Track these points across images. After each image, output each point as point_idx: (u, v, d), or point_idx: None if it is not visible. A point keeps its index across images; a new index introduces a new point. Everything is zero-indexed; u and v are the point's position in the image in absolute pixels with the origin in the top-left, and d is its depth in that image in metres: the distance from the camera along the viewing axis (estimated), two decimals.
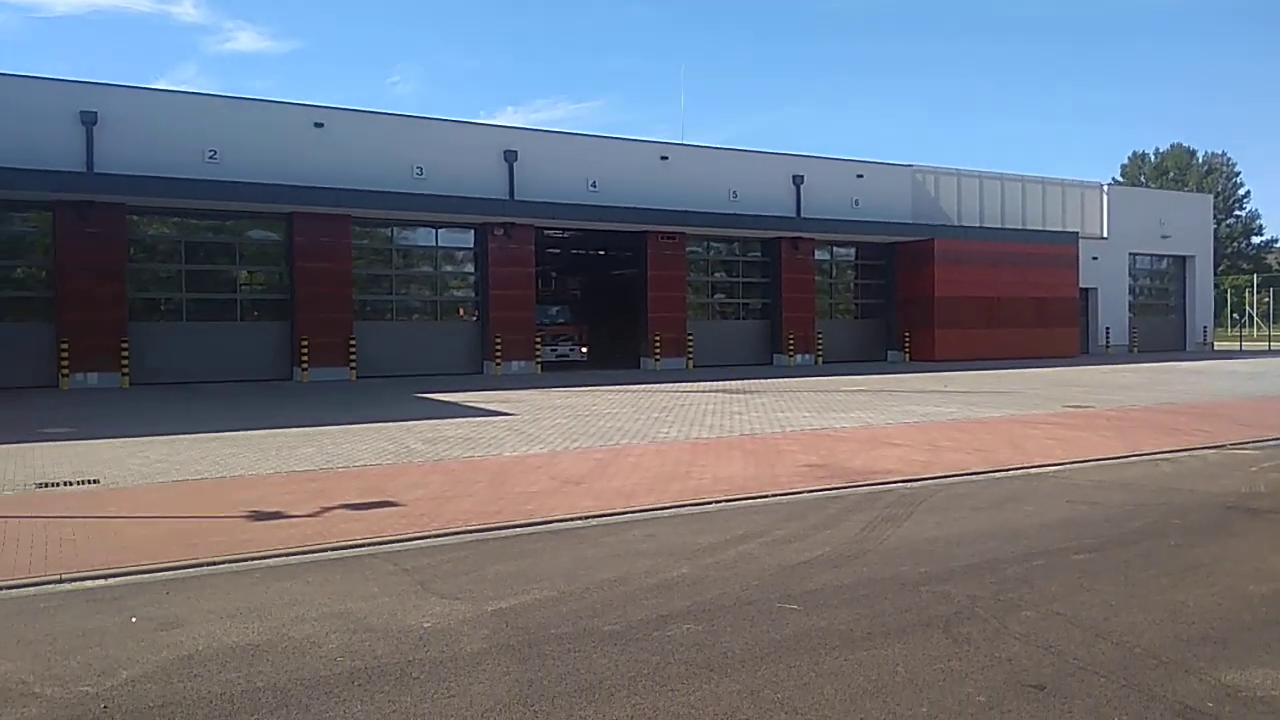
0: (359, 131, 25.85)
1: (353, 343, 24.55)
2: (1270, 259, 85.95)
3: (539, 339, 27.87)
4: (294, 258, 24.22)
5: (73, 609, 5.35)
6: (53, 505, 8.07)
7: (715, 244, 31.71)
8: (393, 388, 21.49)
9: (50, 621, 5.12)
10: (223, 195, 22.64)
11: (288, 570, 6.16)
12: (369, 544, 6.77)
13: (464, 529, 7.23)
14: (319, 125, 25.20)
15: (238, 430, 13.23)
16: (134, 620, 5.11)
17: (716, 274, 32.28)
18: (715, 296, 31.98)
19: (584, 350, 31.59)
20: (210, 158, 23.75)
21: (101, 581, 5.88)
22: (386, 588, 5.73)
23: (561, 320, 31.88)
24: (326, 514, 7.68)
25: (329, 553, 6.57)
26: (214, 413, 15.95)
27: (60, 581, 5.86)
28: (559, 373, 26.61)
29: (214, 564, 6.26)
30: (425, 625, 5.00)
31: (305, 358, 23.78)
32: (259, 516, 7.59)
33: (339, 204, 23.89)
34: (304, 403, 17.96)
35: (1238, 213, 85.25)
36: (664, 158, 30.24)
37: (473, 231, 27.00)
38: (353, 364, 24.46)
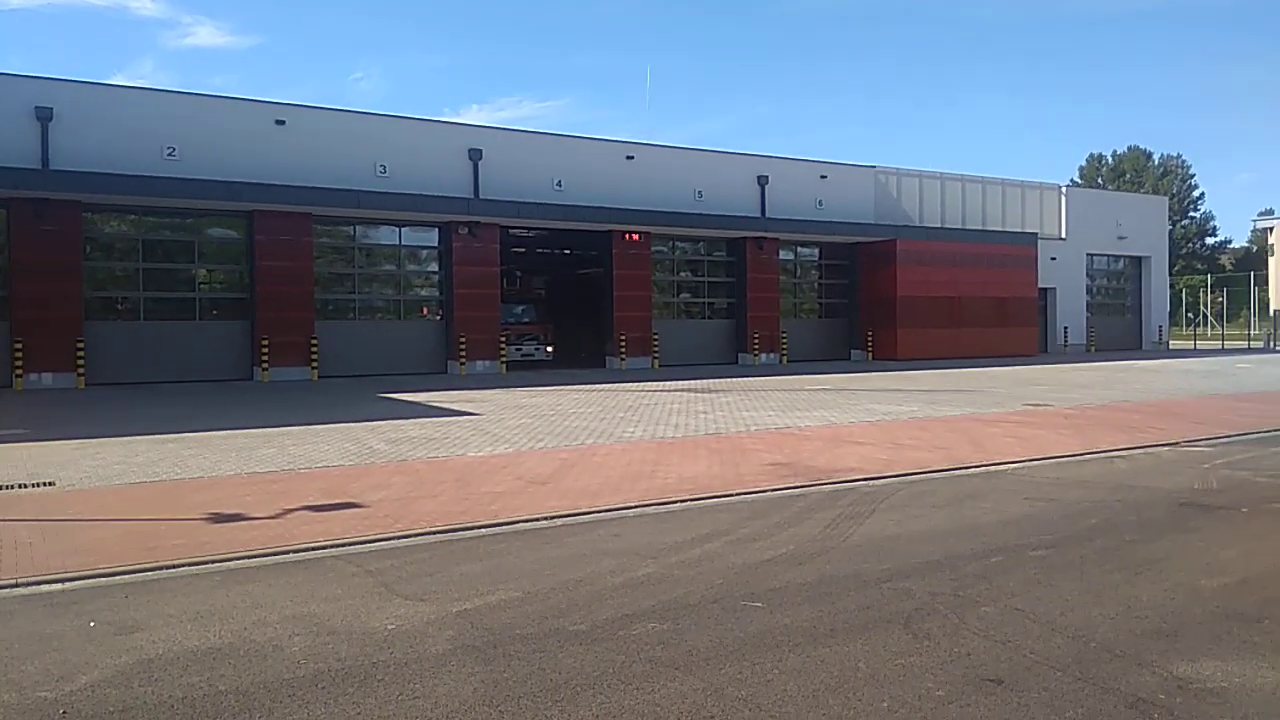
0: (321, 129, 25.59)
1: (315, 342, 24.31)
2: (1224, 259, 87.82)
3: (504, 338, 27.75)
4: (254, 256, 23.92)
5: (29, 613, 5.27)
6: (7, 508, 7.92)
7: (680, 243, 31.79)
8: (355, 388, 21.31)
9: (6, 626, 5.04)
10: (181, 193, 22.30)
11: (249, 573, 6.11)
12: (332, 546, 6.72)
13: (428, 530, 7.20)
14: (280, 122, 24.92)
15: (197, 431, 13.06)
16: (92, 624, 5.05)
17: (682, 273, 32.36)
18: (680, 296, 32.06)
19: (549, 350, 31.45)
20: (169, 155, 23.40)
21: (59, 585, 5.79)
22: (350, 590, 5.70)
23: (527, 320, 31.70)
24: (288, 516, 7.62)
25: (291, 555, 6.52)
26: (172, 413, 15.73)
27: (16, 585, 5.76)
28: (524, 372, 26.54)
29: (173, 567, 6.19)
30: (389, 627, 4.98)
31: (266, 357, 23.51)
32: (219, 519, 7.51)
33: (300, 202, 23.64)
34: (265, 403, 17.77)
35: (1192, 214, 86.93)
36: (629, 157, 30.27)
37: (437, 230, 26.84)
38: (315, 364, 24.22)
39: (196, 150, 23.63)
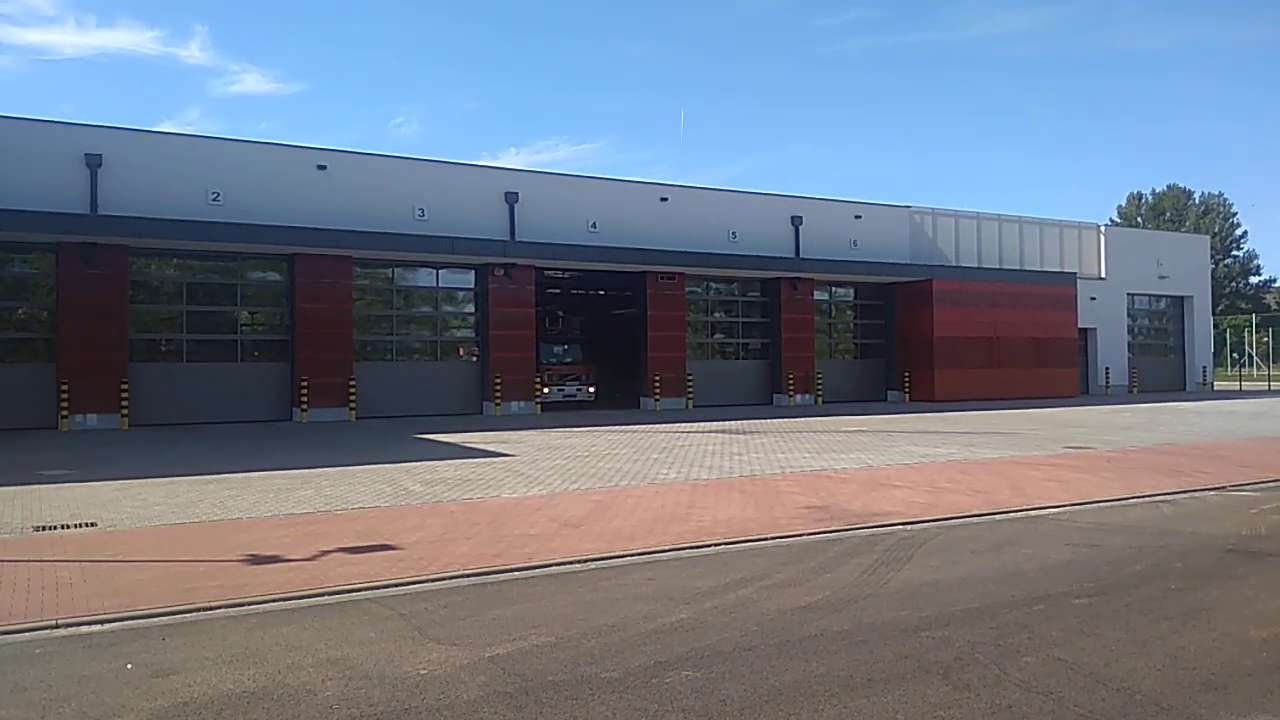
0: (361, 173, 26.09)
1: (352, 383, 24.59)
2: (1269, 298, 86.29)
3: (545, 378, 27.86)
4: (295, 298, 24.34)
5: (68, 655, 5.32)
6: (50, 548, 8.04)
7: (715, 284, 31.86)
8: (392, 428, 21.48)
9: (45, 668, 5.09)
10: (225, 237, 22.79)
11: (284, 615, 6.13)
12: (366, 588, 6.74)
13: (462, 573, 7.20)
14: (321, 167, 25.44)
15: (236, 472, 13.21)
16: (129, 667, 5.08)
17: (716, 314, 32.40)
18: (715, 336, 32.06)
19: (592, 390, 30.28)
20: (213, 199, 23.95)
21: (98, 627, 5.85)
22: (383, 633, 5.70)
23: (569, 360, 30.66)
24: (324, 557, 7.66)
25: (326, 597, 6.54)
26: (213, 454, 15.93)
27: (56, 627, 5.83)
28: (558, 413, 26.61)
29: (210, 609, 6.23)
30: (422, 672, 4.97)
31: (305, 398, 23.80)
32: (256, 560, 7.56)
33: (340, 245, 24.07)
34: (303, 444, 17.95)
35: (1235, 253, 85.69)
36: (663, 199, 30.49)
37: (473, 272, 27.16)
38: (352, 404, 24.47)
39: (240, 195, 24.17)
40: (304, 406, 23.77)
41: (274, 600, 6.43)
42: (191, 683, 4.82)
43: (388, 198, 26.09)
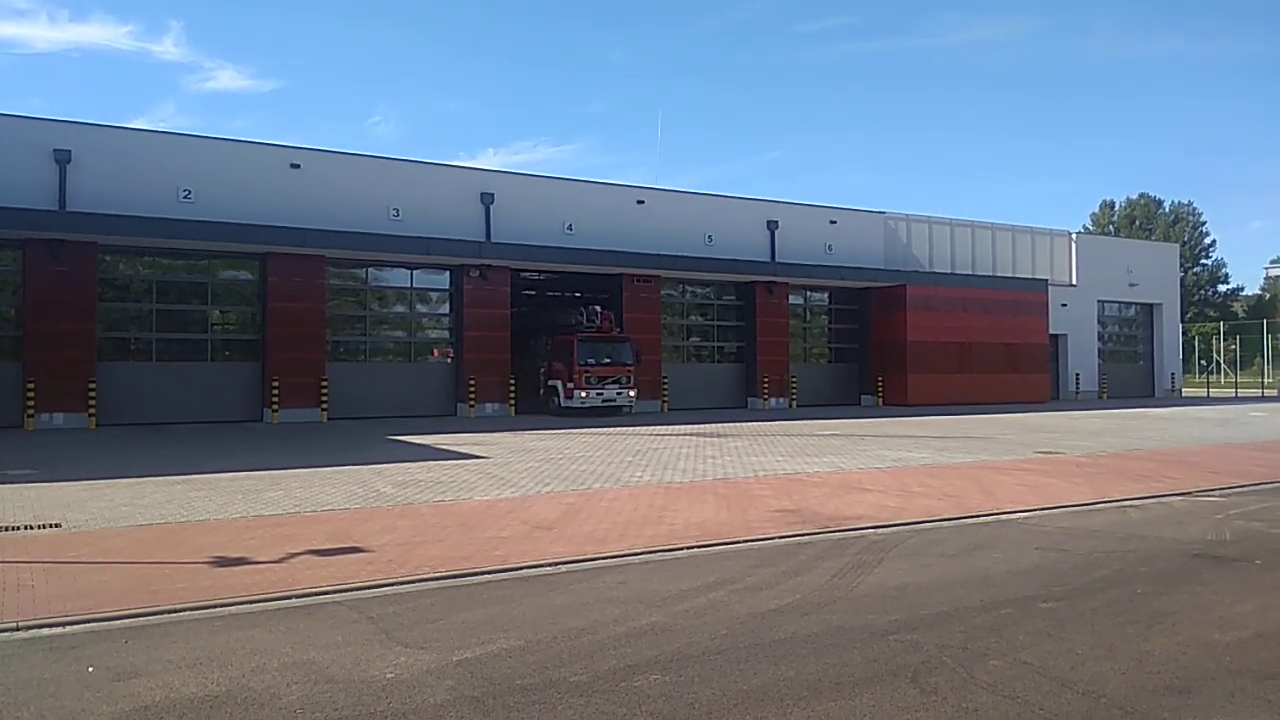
0: (335, 173, 25.91)
1: (325, 384, 24.39)
2: (1236, 307, 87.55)
3: (574, 379, 25.66)
4: (267, 298, 24.13)
5: (29, 658, 5.23)
6: (12, 549, 7.91)
7: (690, 287, 31.92)
8: (364, 429, 21.32)
9: (4, 671, 5.00)
10: (196, 235, 22.54)
11: (250, 618, 6.06)
12: (335, 591, 6.68)
13: (432, 576, 7.15)
14: (295, 166, 25.24)
15: (205, 473, 13.05)
16: (91, 670, 5.00)
17: (691, 317, 32.46)
18: (690, 340, 32.11)
19: (633, 394, 26.96)
20: (184, 197, 23.71)
21: (60, 629, 5.75)
22: (351, 636, 5.64)
23: (609, 360, 26.65)
24: (292, 560, 7.58)
25: (293, 600, 6.47)
26: (181, 454, 15.74)
27: (16, 629, 5.73)
28: (532, 416, 26.51)
29: (175, 611, 6.15)
30: (389, 675, 4.92)
31: (276, 398, 23.59)
32: (223, 562, 7.47)
33: (313, 245, 23.88)
34: (273, 445, 17.78)
35: (1204, 261, 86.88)
36: (640, 201, 30.51)
37: (448, 273, 27.04)
38: (324, 405, 24.28)
39: (212, 193, 23.94)
40: (275, 407, 23.56)
41: (240, 603, 6.35)
42: (154, 686, 4.75)
43: (362, 197, 25.93)
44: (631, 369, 26.97)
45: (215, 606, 6.26)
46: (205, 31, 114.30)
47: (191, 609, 6.20)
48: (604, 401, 26.16)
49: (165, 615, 6.08)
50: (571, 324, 27.02)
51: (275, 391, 23.59)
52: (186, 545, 8.16)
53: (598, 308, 27.15)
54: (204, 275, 24.39)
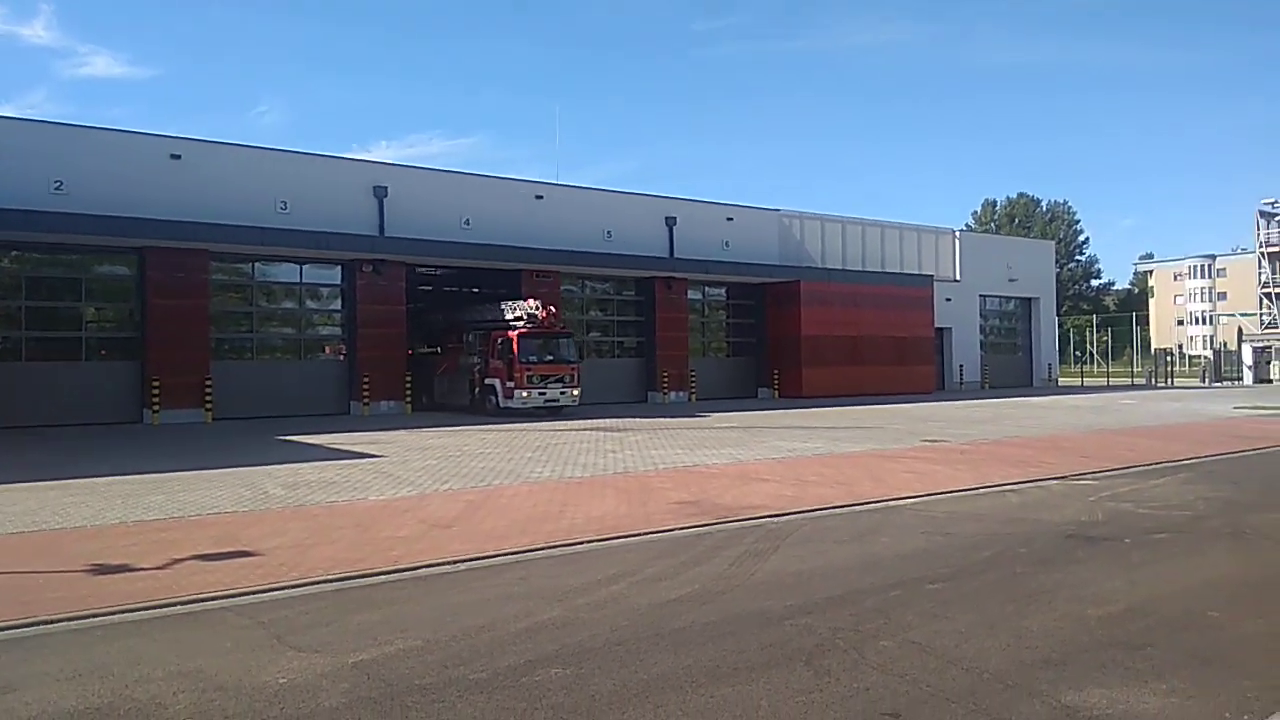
0: (219, 164, 24.93)
1: (209, 383, 23.48)
2: (1108, 300, 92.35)
3: (515, 378, 23.96)
4: (146, 294, 23.08)
5: None
6: None
7: (590, 283, 31.92)
8: (252, 430, 20.63)
9: None
10: (68, 228, 21.40)
11: (133, 627, 5.82)
12: (223, 596, 6.46)
13: (325, 578, 6.98)
14: (176, 157, 24.18)
15: (81, 477, 12.43)
16: None
17: (591, 312, 32.46)
18: (590, 335, 32.09)
19: (577, 394, 25.20)
20: (56, 188, 22.46)
21: None
22: (240, 643, 5.47)
23: (551, 358, 24.85)
24: (176, 566, 7.30)
25: (179, 607, 6.23)
26: (54, 458, 14.96)
27: None
28: (429, 414, 26.10)
29: (52, 622, 5.85)
30: (281, 681, 4.80)
31: (157, 399, 22.61)
32: (102, 570, 7.14)
33: (195, 238, 22.93)
34: (155, 447, 17.06)
35: (1078, 257, 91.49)
36: (539, 196, 30.34)
37: (340, 268, 26.36)
38: (209, 405, 23.37)
39: (86, 184, 22.73)
40: (156, 408, 22.58)
41: (122, 611, 6.08)
42: (30, 700, 4.52)
43: (247, 190, 25.01)
44: (576, 367, 25.37)
45: (95, 616, 5.98)
46: (78, 15, 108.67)
47: (69, 619, 5.91)
48: (547, 402, 24.52)
49: (41, 626, 5.78)
50: (504, 319, 25.36)
51: (156, 391, 22.61)
52: (62, 553, 7.77)
53: (535, 301, 25.19)
54: (78, 270, 23.17)
